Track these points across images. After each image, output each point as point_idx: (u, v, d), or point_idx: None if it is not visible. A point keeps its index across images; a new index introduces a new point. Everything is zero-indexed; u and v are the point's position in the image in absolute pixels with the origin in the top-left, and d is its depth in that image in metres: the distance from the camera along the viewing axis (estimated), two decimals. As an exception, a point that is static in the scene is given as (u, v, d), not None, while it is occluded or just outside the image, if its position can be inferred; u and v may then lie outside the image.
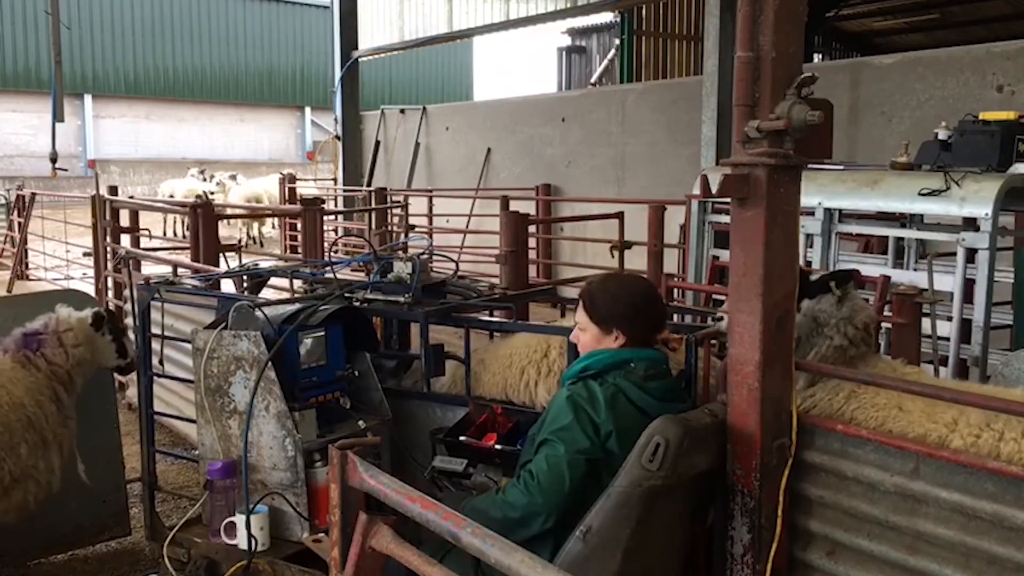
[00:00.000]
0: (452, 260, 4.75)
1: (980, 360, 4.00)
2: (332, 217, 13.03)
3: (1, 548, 3.67)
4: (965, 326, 4.16)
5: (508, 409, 3.44)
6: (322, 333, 3.39)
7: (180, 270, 5.61)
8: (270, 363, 3.21)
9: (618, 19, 18.25)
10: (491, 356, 3.70)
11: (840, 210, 4.91)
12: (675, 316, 4.14)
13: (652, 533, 2.54)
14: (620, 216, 7.86)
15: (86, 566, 4.30)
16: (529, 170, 12.84)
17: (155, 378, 4.09)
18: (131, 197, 14.44)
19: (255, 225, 18.56)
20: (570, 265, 11.00)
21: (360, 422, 3.42)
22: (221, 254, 6.82)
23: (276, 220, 16.98)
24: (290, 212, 12.32)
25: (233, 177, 21.32)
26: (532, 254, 9.40)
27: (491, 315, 4.31)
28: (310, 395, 3.34)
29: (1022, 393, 2.70)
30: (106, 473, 4.23)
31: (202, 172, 21.37)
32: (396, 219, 12.25)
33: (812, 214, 4.86)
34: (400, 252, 4.64)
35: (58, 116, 10.48)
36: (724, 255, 5.33)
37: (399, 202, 12.24)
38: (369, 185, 15.05)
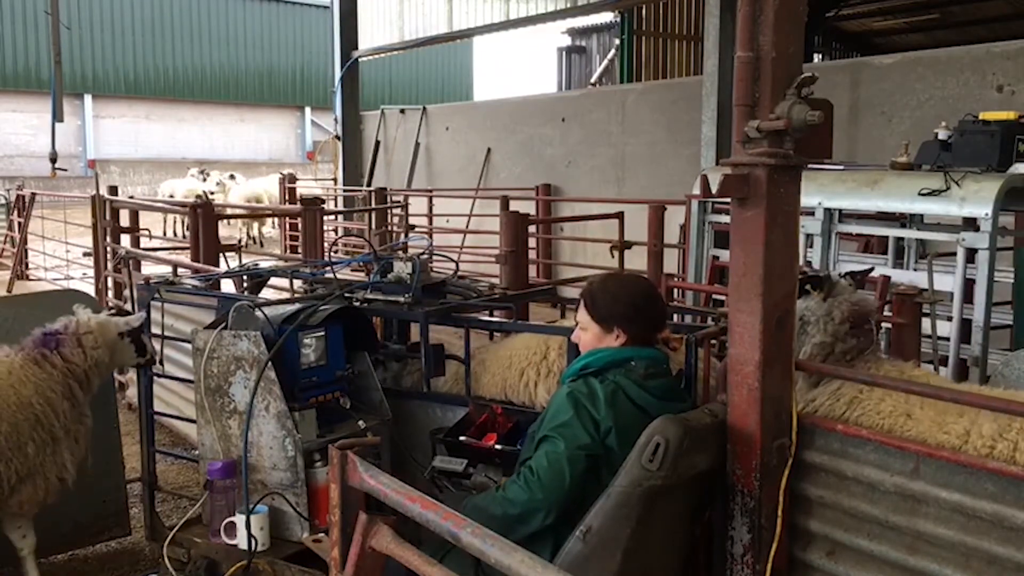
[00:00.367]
0: (452, 260, 4.75)
1: (980, 360, 4.00)
2: (332, 217, 13.03)
3: (1, 548, 3.67)
4: (965, 326, 4.15)
5: (508, 409, 3.45)
6: (322, 333, 3.40)
7: (180, 270, 5.62)
8: (270, 363, 3.21)
9: (618, 19, 18.25)
10: (491, 357, 3.70)
11: (840, 210, 4.91)
12: (675, 316, 4.14)
13: (652, 533, 2.54)
14: (620, 216, 7.87)
15: (86, 566, 4.30)
16: (529, 170, 12.84)
17: (155, 378, 4.10)
18: (131, 197, 14.45)
19: (255, 225, 18.55)
20: (570, 265, 11.00)
21: (360, 422, 3.42)
22: (221, 254, 6.83)
23: (276, 220, 16.99)
24: (290, 212, 12.33)
25: (232, 177, 21.32)
26: (532, 254, 9.40)
27: (491, 315, 4.32)
28: (310, 395, 3.35)
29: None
30: (106, 473, 4.23)
31: (202, 172, 21.38)
32: (396, 219, 12.25)
33: (812, 214, 4.86)
34: (400, 252, 4.64)
35: (58, 116, 10.50)
36: (724, 255, 5.33)
37: (399, 202, 12.24)
38: (369, 185, 15.05)
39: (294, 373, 3.31)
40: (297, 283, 4.60)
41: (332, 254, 5.75)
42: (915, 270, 5.17)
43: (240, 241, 8.50)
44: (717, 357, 3.07)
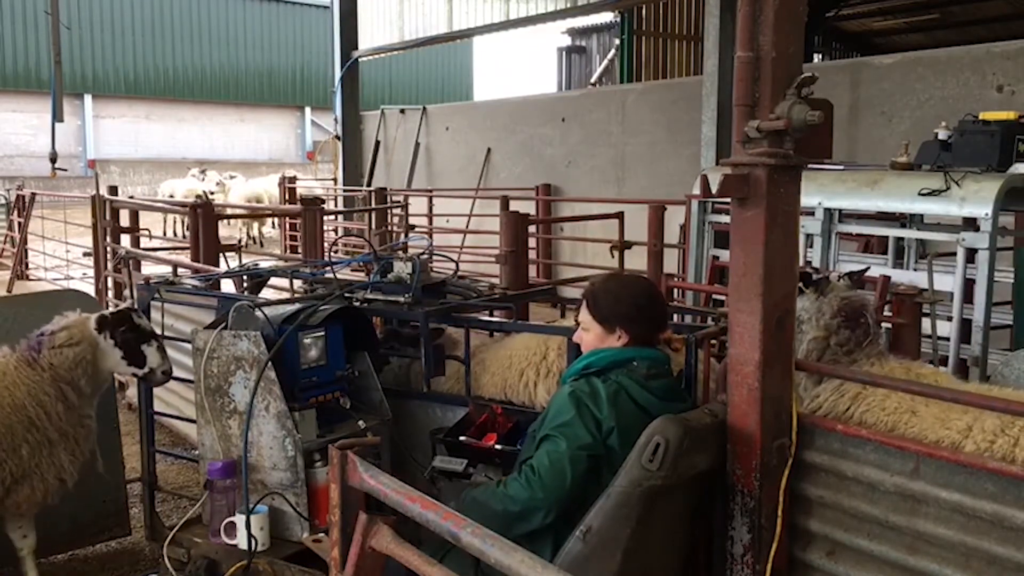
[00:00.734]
0: (452, 260, 4.75)
1: (980, 360, 4.00)
2: (332, 217, 13.03)
3: (1, 548, 3.67)
4: (965, 326, 4.16)
5: (508, 409, 3.45)
6: (322, 333, 3.40)
7: (180, 270, 5.61)
8: (270, 363, 3.21)
9: (618, 19, 18.25)
10: (491, 357, 3.70)
11: (840, 210, 4.91)
12: (675, 316, 4.14)
13: (652, 533, 2.54)
14: (620, 216, 7.87)
15: (86, 566, 4.30)
16: (529, 170, 12.84)
17: (155, 378, 4.09)
18: (131, 197, 14.45)
19: (255, 225, 18.56)
20: (570, 265, 11.00)
21: (360, 422, 3.42)
22: (221, 254, 6.83)
23: (276, 220, 16.99)
24: (290, 212, 12.32)
25: (232, 177, 21.31)
26: (532, 254, 9.40)
27: (491, 315, 4.32)
28: (310, 395, 3.35)
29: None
30: (106, 473, 4.23)
31: (202, 172, 21.38)
32: (396, 219, 12.25)
33: (812, 214, 4.86)
34: (400, 252, 4.64)
35: (58, 116, 10.49)
36: (724, 255, 5.33)
37: (399, 202, 12.24)
38: (369, 185, 15.05)
39: (294, 373, 3.31)
40: (297, 283, 4.60)
41: (332, 254, 5.74)
42: (915, 270, 5.17)
43: (240, 241, 8.50)
44: (717, 357, 3.07)
